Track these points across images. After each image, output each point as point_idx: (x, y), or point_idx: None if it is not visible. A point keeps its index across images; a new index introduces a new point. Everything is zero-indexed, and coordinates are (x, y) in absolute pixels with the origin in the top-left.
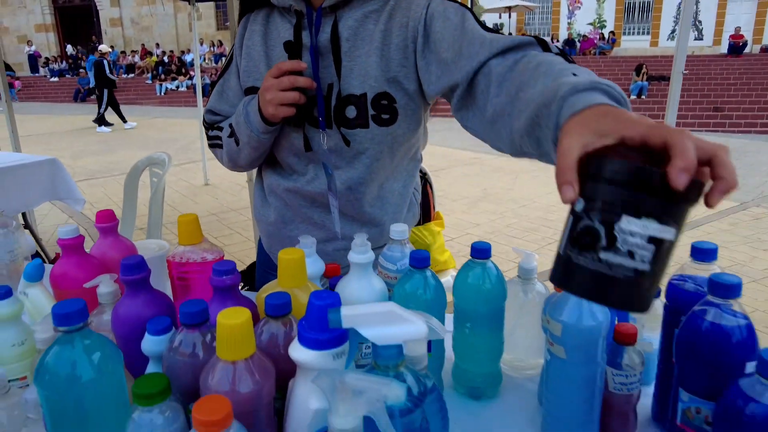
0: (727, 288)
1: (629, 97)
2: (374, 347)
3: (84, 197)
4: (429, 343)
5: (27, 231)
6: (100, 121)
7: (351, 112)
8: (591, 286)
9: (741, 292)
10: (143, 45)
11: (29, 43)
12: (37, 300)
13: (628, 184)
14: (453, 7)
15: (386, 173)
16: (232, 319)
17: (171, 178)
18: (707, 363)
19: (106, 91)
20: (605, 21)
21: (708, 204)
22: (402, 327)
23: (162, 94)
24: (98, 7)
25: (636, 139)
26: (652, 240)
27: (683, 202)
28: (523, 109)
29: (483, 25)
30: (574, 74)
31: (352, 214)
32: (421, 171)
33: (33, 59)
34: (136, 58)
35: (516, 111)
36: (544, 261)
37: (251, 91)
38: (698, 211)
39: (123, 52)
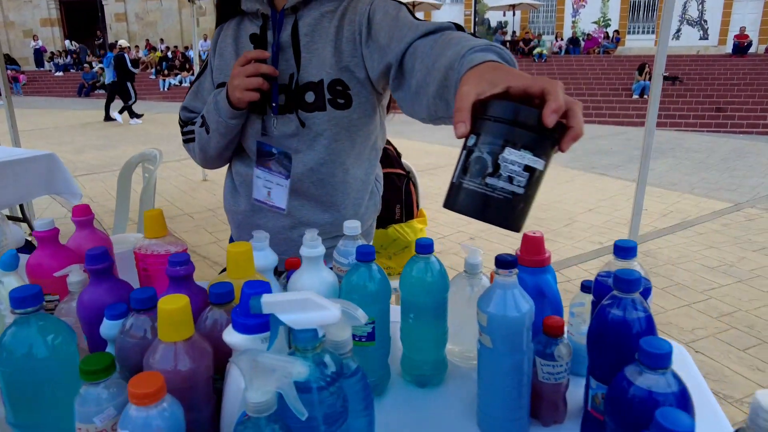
0: (628, 283)
1: (632, 96)
2: (292, 332)
3: (81, 191)
4: (373, 332)
5: (25, 224)
6: (130, 113)
7: (310, 97)
8: (476, 205)
9: (641, 286)
10: (147, 40)
11: (35, 37)
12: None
13: (511, 122)
14: (392, 4)
15: (347, 158)
16: (170, 305)
17: (170, 174)
18: (609, 352)
19: (129, 84)
20: (610, 20)
21: (561, 148)
22: (316, 313)
23: (165, 89)
24: (103, 2)
25: (520, 88)
26: (527, 168)
27: (551, 139)
28: (436, 75)
29: (415, 16)
30: (480, 41)
31: (314, 198)
32: (404, 169)
33: (39, 54)
34: (141, 53)
35: (431, 79)
36: None
37: (222, 86)
38: (691, 211)
39: (128, 47)
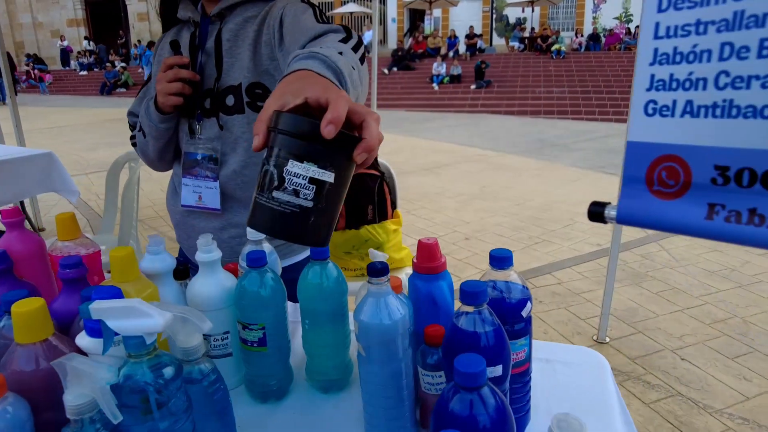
0: (472, 296)
1: None
2: (124, 338)
3: (78, 189)
4: (264, 337)
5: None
6: None
7: (230, 100)
8: (268, 221)
9: (486, 299)
10: None
11: (62, 37)
12: None
13: (293, 133)
14: (301, 6)
15: None
16: (23, 308)
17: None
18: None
19: None
20: (632, 15)
21: (353, 159)
22: (140, 320)
23: None
24: (126, 2)
25: (312, 99)
26: (313, 181)
27: (339, 151)
28: None
29: (319, 17)
30: (319, 49)
31: (240, 200)
32: (378, 170)
33: (65, 53)
34: None
35: None
36: (526, 260)
37: None
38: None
39: (150, 45)
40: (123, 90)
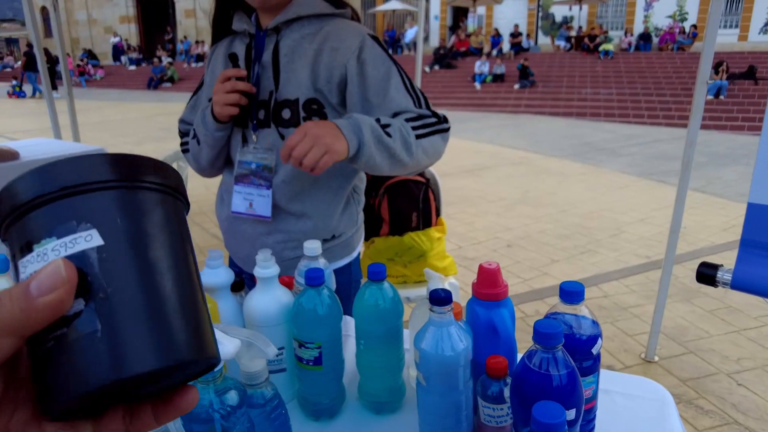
0: (546, 337)
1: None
2: None
3: None
4: (320, 356)
5: None
6: None
7: (286, 113)
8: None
9: (561, 341)
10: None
11: (115, 34)
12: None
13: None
14: (383, 61)
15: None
16: None
17: None
18: (524, 407)
19: None
20: (687, 13)
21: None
22: None
23: None
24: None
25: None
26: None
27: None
28: None
29: (405, 83)
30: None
31: (286, 209)
32: (424, 177)
33: (116, 49)
34: (206, 48)
35: None
36: (571, 270)
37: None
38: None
39: (196, 42)
40: (169, 85)
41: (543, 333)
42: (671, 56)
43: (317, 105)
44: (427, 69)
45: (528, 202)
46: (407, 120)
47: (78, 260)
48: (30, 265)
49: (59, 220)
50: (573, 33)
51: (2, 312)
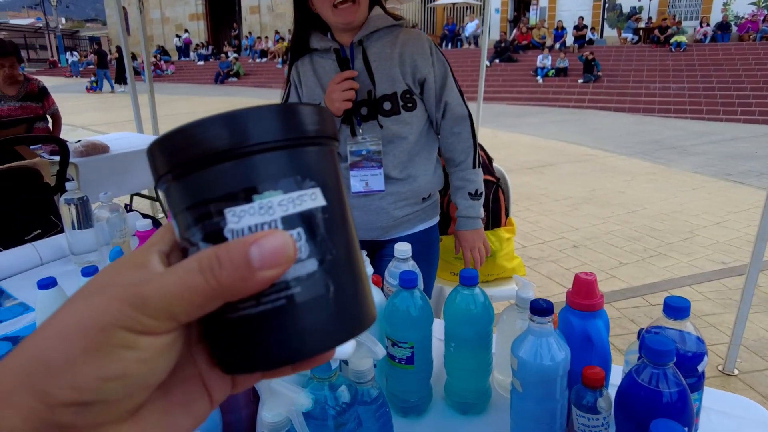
0: (658, 354)
1: None
2: None
3: None
4: (412, 356)
5: (157, 202)
6: None
7: (387, 105)
8: (252, 348)
9: (672, 358)
10: (277, 31)
11: (185, 30)
12: None
13: (201, 156)
14: (441, 59)
15: (418, 144)
16: None
17: None
18: (630, 422)
19: None
20: None
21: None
22: None
23: None
24: None
25: None
26: (291, 221)
27: (306, 144)
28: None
29: (455, 78)
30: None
31: (397, 176)
32: (494, 176)
33: (185, 45)
34: (270, 44)
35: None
36: (640, 275)
37: None
38: None
39: (259, 38)
40: (234, 79)
41: (655, 349)
42: (753, 47)
43: (410, 94)
44: (487, 63)
45: (595, 202)
46: (473, 163)
47: (305, 219)
48: (246, 216)
49: (284, 172)
50: (642, 24)
51: (222, 275)
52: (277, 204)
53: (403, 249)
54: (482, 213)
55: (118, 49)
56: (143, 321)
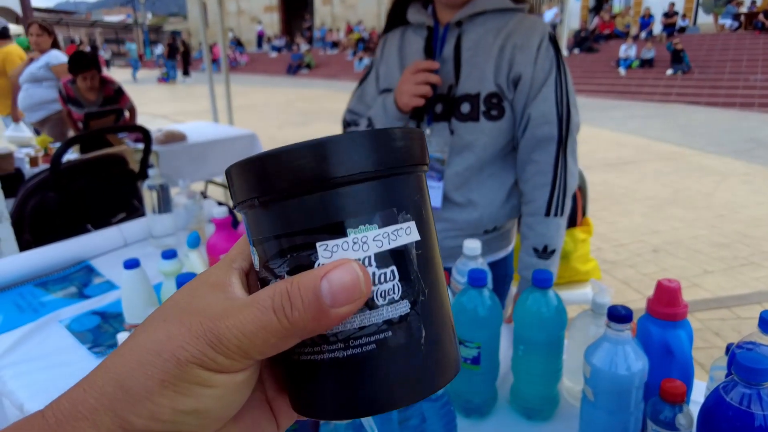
0: (749, 372)
1: None
2: None
3: None
4: (478, 356)
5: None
6: None
7: (465, 107)
8: (339, 393)
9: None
10: (348, 22)
11: (259, 22)
12: (194, 262)
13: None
14: (550, 61)
15: (491, 165)
16: None
17: None
18: None
19: None
20: None
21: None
22: None
23: (362, 70)
24: None
25: None
26: (384, 259)
27: (403, 172)
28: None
29: (559, 92)
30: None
31: (453, 199)
32: None
33: (259, 37)
34: (341, 35)
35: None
36: (729, 284)
37: (387, 91)
38: None
39: (330, 30)
40: (305, 71)
41: (747, 367)
42: None
43: (497, 99)
44: (565, 53)
45: (679, 203)
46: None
47: (399, 256)
48: (339, 251)
49: (380, 204)
50: (744, 9)
51: (294, 316)
52: (372, 239)
53: (472, 246)
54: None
55: (183, 44)
56: (218, 360)
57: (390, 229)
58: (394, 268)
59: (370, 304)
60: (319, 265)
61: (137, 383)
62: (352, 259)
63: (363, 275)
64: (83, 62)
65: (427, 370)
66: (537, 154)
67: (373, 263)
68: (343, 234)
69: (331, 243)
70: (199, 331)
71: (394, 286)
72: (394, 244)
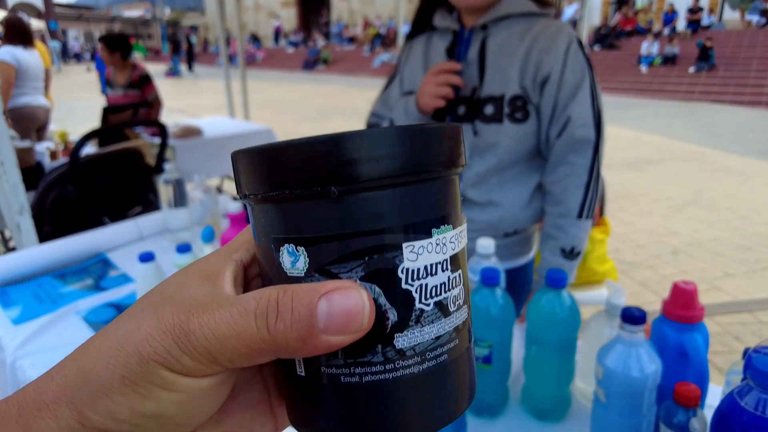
0: (765, 376)
1: None
2: None
3: None
4: (490, 355)
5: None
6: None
7: (489, 109)
8: (400, 411)
9: None
10: (365, 18)
11: (277, 18)
12: None
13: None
14: (580, 64)
15: (514, 168)
16: None
17: None
18: None
19: None
20: None
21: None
22: None
23: (379, 65)
24: None
25: None
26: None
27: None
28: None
29: (592, 96)
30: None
31: (471, 198)
32: None
33: (276, 32)
34: (358, 31)
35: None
36: (750, 288)
37: (410, 94)
38: None
39: (347, 25)
40: (322, 67)
41: (763, 371)
42: None
43: (522, 102)
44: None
45: (700, 204)
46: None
47: (460, 260)
48: (425, 253)
49: (447, 203)
50: None
51: (277, 329)
52: (449, 240)
53: (485, 245)
54: (573, 278)
55: (188, 40)
56: (183, 361)
57: (458, 230)
58: (460, 271)
59: (445, 312)
60: (403, 269)
61: (98, 376)
62: (434, 262)
63: (369, 307)
64: (111, 43)
65: (474, 375)
66: (572, 155)
67: (448, 267)
68: (428, 234)
69: (417, 244)
70: (168, 325)
71: (460, 291)
72: (459, 247)
